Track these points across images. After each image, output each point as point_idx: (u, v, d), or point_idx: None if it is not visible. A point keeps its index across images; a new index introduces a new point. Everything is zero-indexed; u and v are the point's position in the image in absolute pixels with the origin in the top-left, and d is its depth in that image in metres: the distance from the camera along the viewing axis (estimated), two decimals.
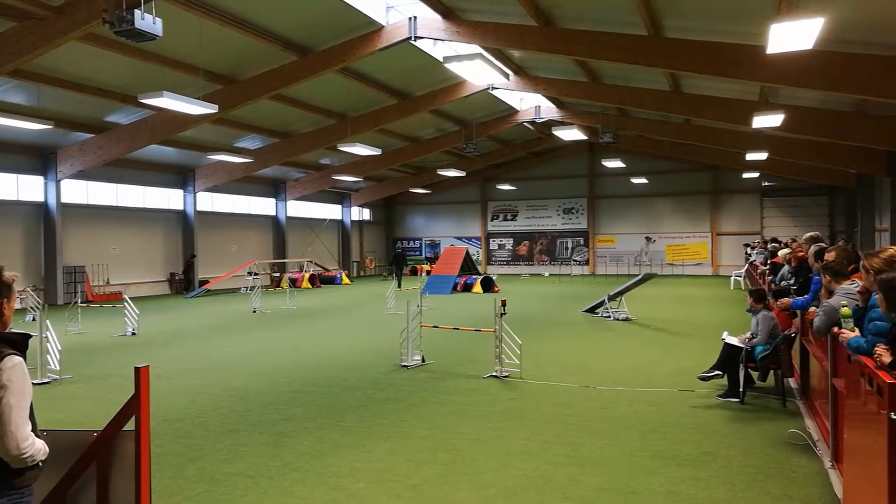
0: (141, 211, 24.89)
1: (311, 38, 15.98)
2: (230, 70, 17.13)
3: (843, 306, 4.71)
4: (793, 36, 8.99)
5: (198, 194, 26.49)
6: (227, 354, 11.16)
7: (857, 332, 4.40)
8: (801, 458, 5.53)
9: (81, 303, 15.46)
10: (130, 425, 2.97)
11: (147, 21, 9.07)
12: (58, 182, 21.03)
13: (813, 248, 7.54)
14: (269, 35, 15.20)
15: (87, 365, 10.25)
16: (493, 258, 39.23)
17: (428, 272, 29.78)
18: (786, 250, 11.94)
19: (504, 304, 9.01)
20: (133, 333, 13.55)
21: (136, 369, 2.94)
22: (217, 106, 14.65)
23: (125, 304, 13.77)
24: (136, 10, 8.95)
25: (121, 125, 19.82)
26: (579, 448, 5.84)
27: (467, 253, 26.73)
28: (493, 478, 5.14)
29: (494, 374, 8.94)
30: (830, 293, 5.69)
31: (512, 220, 38.76)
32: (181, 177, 26.16)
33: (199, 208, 26.69)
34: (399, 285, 24.54)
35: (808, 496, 4.72)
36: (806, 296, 7.56)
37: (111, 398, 7.92)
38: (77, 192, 22.46)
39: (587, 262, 36.62)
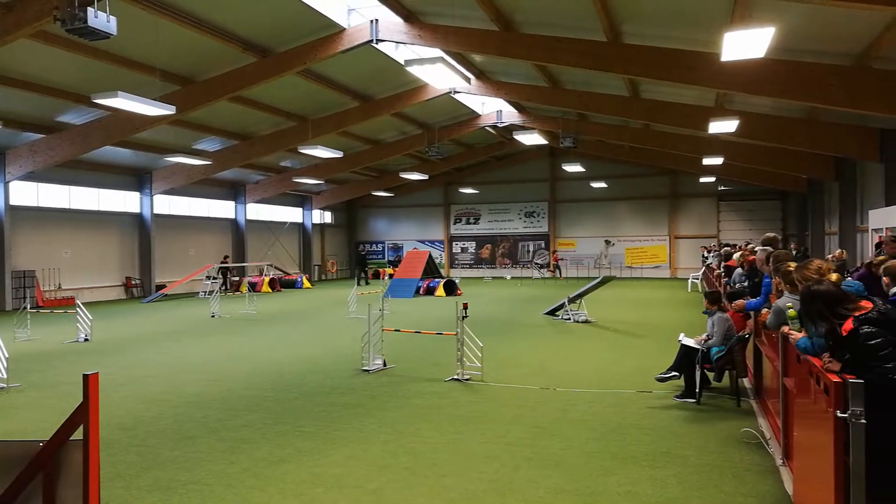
0: (95, 214, 24.21)
1: (272, 40, 15.80)
2: (188, 71, 16.82)
3: (789, 308, 4.85)
4: (745, 44, 9.26)
5: (155, 197, 25.89)
6: (185, 360, 10.93)
7: (804, 333, 4.53)
8: (755, 455, 5.67)
9: (31, 308, 14.96)
10: (80, 434, 2.89)
11: (100, 19, 8.83)
12: (6, 184, 20.33)
13: (763, 255, 7.73)
14: (229, 36, 14.98)
15: (36, 373, 9.92)
16: (456, 261, 39.32)
17: (390, 275, 29.67)
18: (738, 254, 12.24)
19: (466, 307, 9.03)
20: (86, 339, 13.18)
21: (85, 376, 2.87)
22: (174, 107, 14.39)
23: (77, 309, 13.37)
24: (88, 8, 8.69)
25: (73, 126, 19.27)
26: (539, 450, 5.88)
27: (430, 256, 26.71)
28: (453, 481, 5.14)
29: (456, 377, 8.94)
30: (781, 293, 5.87)
31: (474, 223, 38.91)
32: (137, 179, 25.54)
33: (156, 211, 26.09)
34: (358, 283, 24.36)
35: (761, 492, 4.85)
36: (759, 297, 7.75)
37: (60, 407, 7.68)
38: (27, 194, 21.74)
39: (549, 265, 36.95)
